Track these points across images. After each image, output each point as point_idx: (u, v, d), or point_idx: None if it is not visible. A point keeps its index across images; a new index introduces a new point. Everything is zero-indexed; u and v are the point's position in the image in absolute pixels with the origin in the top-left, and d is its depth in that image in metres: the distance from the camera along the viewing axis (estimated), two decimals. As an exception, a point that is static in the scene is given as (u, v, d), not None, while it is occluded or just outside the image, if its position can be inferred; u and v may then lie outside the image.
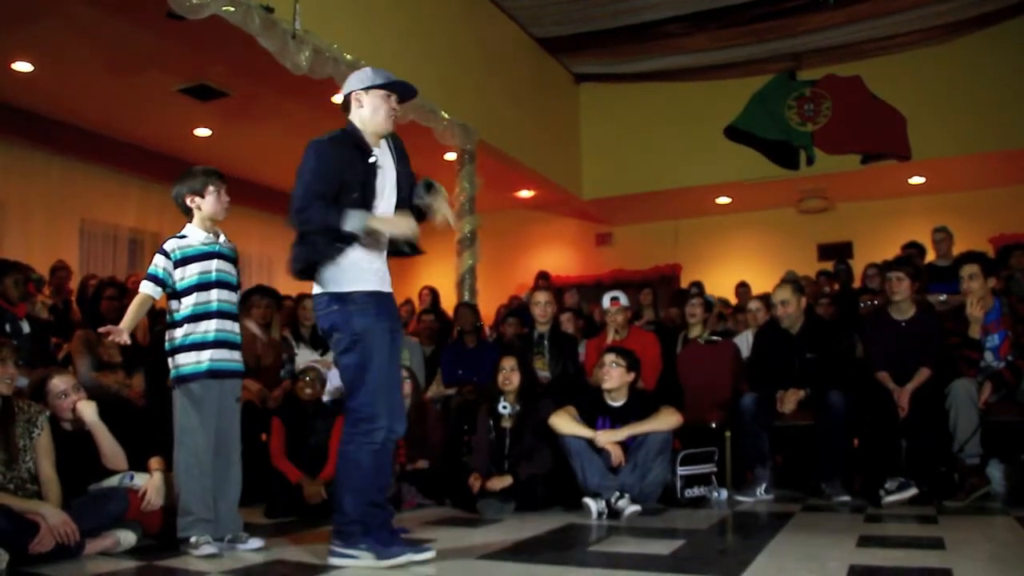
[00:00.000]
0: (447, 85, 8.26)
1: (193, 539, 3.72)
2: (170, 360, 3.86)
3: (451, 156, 8.83)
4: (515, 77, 9.98)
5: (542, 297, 6.40)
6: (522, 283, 11.53)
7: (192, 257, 3.90)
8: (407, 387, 5.87)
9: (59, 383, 4.17)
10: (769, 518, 4.82)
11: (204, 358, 3.83)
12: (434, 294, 9.48)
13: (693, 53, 10.67)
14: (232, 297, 4.00)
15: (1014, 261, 7.76)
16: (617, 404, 5.16)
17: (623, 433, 4.97)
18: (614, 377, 5.18)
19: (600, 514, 4.71)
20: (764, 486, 5.46)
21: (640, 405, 5.12)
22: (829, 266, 9.87)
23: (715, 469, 5.50)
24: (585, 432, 5.00)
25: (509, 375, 5.38)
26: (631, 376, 5.24)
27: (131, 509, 3.95)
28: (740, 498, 5.42)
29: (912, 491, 5.04)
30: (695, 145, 10.94)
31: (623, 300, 6.35)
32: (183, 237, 3.95)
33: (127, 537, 3.87)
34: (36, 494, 3.77)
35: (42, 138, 9.24)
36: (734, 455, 5.75)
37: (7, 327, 5.45)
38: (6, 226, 9.09)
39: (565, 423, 5.05)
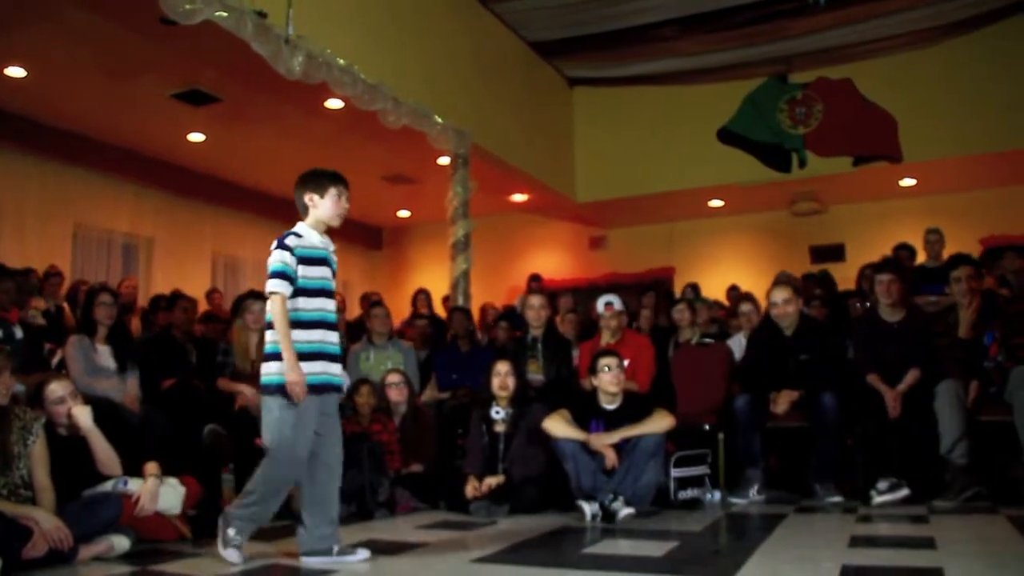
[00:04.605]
0: (440, 89, 8.28)
1: (232, 532, 3.61)
2: (266, 365, 3.64)
3: (444, 160, 8.86)
4: (508, 81, 10.01)
5: (536, 301, 6.43)
6: (515, 286, 11.57)
7: (308, 259, 3.72)
8: (402, 392, 5.91)
9: (56, 389, 4.19)
10: (762, 519, 4.84)
11: (313, 369, 3.64)
12: (429, 297, 9.53)
13: (685, 56, 10.71)
14: (333, 307, 3.82)
15: (1007, 263, 7.78)
16: (611, 407, 5.17)
17: (616, 436, 4.98)
18: (615, 380, 5.19)
19: (594, 516, 4.72)
20: (757, 487, 5.49)
21: (633, 408, 5.13)
22: (818, 268, 9.91)
23: (708, 471, 5.53)
24: (578, 435, 5.01)
25: (505, 380, 5.41)
26: (627, 380, 5.29)
27: (124, 514, 3.96)
28: (733, 500, 5.45)
29: (904, 492, 5.08)
30: (688, 148, 10.98)
31: (617, 304, 6.37)
32: (299, 236, 3.75)
33: (120, 542, 3.88)
34: (29, 500, 3.78)
35: (35, 143, 9.25)
36: (727, 457, 5.78)
37: (0, 333, 5.46)
38: (-1, 231, 9.11)
39: (558, 426, 5.07)
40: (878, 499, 5.08)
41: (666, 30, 10.04)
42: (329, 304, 3.77)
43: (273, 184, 11.34)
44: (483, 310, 9.41)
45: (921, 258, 8.37)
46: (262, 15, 6.00)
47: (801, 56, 10.55)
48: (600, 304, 6.41)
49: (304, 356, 3.62)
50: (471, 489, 5.18)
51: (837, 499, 5.26)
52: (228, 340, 6.51)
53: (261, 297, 6.57)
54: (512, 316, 7.71)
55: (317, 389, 3.65)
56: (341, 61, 6.78)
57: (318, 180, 3.81)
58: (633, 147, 11.24)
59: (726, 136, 10.83)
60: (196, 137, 9.75)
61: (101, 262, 10.19)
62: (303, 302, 3.67)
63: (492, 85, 9.54)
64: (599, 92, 11.57)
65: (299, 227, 3.80)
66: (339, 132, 9.05)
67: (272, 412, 3.62)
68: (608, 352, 5.38)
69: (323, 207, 3.79)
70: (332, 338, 3.75)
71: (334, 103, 8.01)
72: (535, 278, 11.15)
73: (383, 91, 7.26)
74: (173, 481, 4.35)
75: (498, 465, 5.31)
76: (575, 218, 12.58)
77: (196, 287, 9.83)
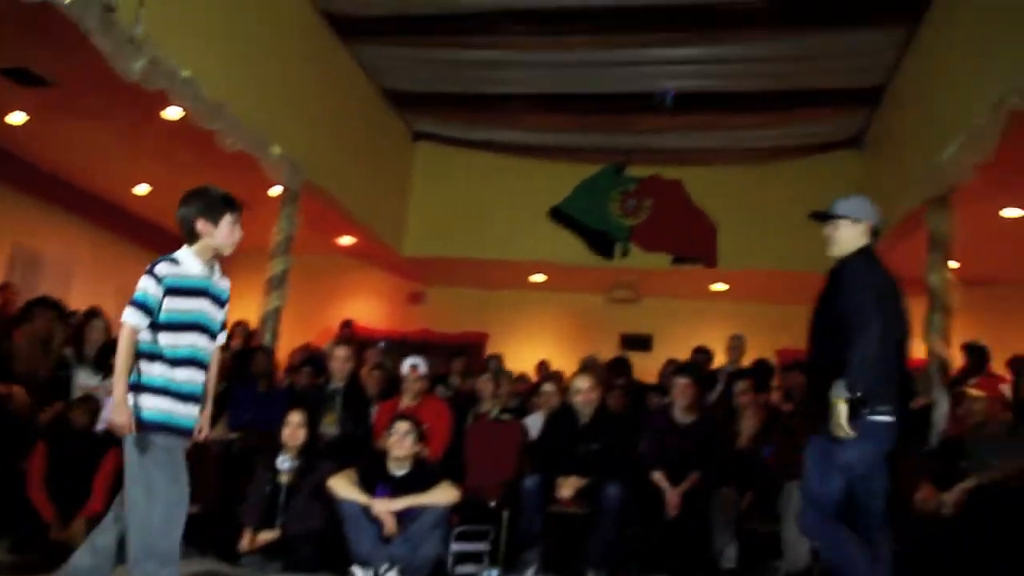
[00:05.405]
0: (283, 119, 8.12)
1: None
2: (131, 396, 3.29)
3: (276, 191, 8.66)
4: (352, 123, 9.92)
5: (342, 353, 6.34)
6: (329, 327, 11.36)
7: (183, 290, 3.39)
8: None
9: None
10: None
11: (180, 410, 3.34)
12: (247, 329, 9.22)
13: (532, 132, 10.96)
14: (210, 345, 3.50)
15: (793, 378, 8.25)
16: (399, 473, 5.15)
17: (399, 504, 4.96)
18: (406, 447, 5.18)
19: (366, 583, 4.66)
20: (535, 568, 5.53)
21: (421, 477, 5.14)
22: (627, 354, 10.23)
23: (489, 548, 5.54)
24: (362, 498, 4.97)
25: (296, 431, 5.32)
26: (419, 447, 5.26)
27: None
28: (509, 579, 5.48)
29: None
30: (519, 220, 11.15)
31: (422, 368, 6.38)
32: (176, 263, 3.42)
33: None
34: None
35: None
36: (509, 535, 5.81)
37: None
38: None
39: (343, 486, 5.00)
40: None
41: (519, 103, 10.27)
42: (204, 341, 3.45)
43: (93, 182, 10.76)
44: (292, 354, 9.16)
45: (721, 360, 8.80)
46: (110, 9, 5.71)
47: (640, 152, 10.98)
48: (406, 365, 6.40)
49: (180, 395, 3.35)
50: (246, 542, 5.01)
51: (608, 587, 5.38)
52: (12, 341, 6.09)
53: (51, 305, 6.21)
54: (316, 361, 7.55)
55: (182, 432, 3.38)
56: (185, 73, 6.55)
57: (212, 205, 3.50)
58: (466, 210, 11.33)
59: (557, 215, 11.07)
60: (16, 118, 9.14)
61: None
62: (165, 337, 3.35)
63: (336, 124, 9.43)
64: (442, 150, 11.60)
65: (180, 252, 3.48)
66: (172, 143, 8.70)
67: (142, 451, 3.26)
68: (404, 416, 5.37)
69: (217, 236, 3.49)
70: (200, 378, 3.45)
71: (172, 112, 7.71)
72: (347, 324, 11.00)
73: (224, 111, 7.05)
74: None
75: (277, 517, 5.16)
76: (397, 270, 12.50)
77: (-12, 279, 9.18)
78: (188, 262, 3.46)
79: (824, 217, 4.13)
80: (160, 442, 3.29)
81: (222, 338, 3.63)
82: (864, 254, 3.98)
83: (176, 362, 3.37)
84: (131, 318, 3.32)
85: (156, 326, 3.35)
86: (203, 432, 3.60)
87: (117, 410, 3.24)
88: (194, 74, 6.62)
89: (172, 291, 3.38)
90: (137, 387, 3.31)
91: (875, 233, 4.09)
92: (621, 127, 10.61)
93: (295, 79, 8.53)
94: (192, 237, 3.50)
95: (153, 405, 3.30)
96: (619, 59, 9.17)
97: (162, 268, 3.39)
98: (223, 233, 3.50)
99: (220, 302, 3.57)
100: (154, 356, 3.35)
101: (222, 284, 3.58)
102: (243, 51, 7.62)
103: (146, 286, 3.35)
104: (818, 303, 4.06)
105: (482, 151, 11.38)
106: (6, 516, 4.99)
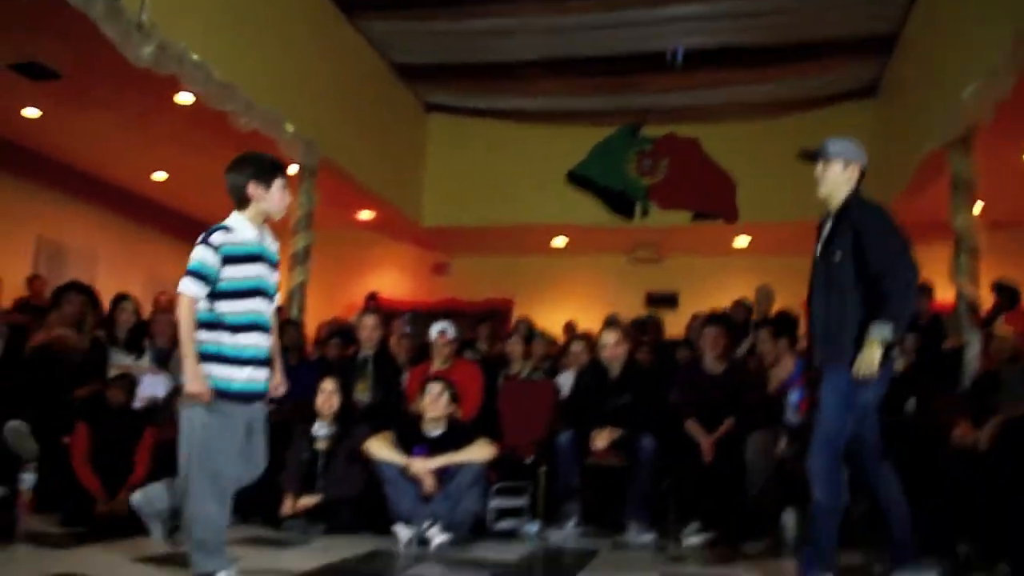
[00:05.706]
0: (295, 98, 8.13)
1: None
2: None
3: (292, 169, 8.69)
4: (365, 98, 9.93)
5: (369, 321, 6.37)
6: (354, 302, 11.43)
7: (238, 257, 3.36)
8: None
9: None
10: (575, 554, 4.94)
11: (239, 376, 3.33)
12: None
13: (545, 97, 10.91)
14: (269, 308, 3.50)
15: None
16: (434, 434, 5.19)
17: (437, 462, 5.00)
18: (440, 407, 5.22)
19: (409, 542, 4.72)
20: (574, 521, 5.58)
21: (457, 436, 5.17)
22: (654, 312, 10.23)
23: (528, 503, 5.59)
24: (399, 459, 5.01)
25: (330, 398, 5.38)
26: (453, 407, 5.30)
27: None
28: (550, 532, 5.52)
29: (712, 534, 5.29)
30: (537, 186, 11.13)
31: (450, 332, 6.40)
32: (229, 230, 3.39)
33: None
34: None
35: None
36: (547, 490, 5.86)
37: None
38: None
39: (380, 448, 5.05)
40: (688, 540, 5.29)
41: (530, 70, 10.22)
42: (264, 305, 3.45)
43: (109, 170, 10.84)
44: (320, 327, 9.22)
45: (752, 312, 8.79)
46: (115, -4, 5.73)
47: (654, 111, 10.92)
48: (434, 331, 6.43)
49: (243, 361, 3.35)
50: (287, 507, 5.08)
51: (649, 537, 5.41)
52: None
53: (82, 290, 6.27)
54: (344, 333, 7.60)
55: (249, 397, 3.38)
56: (195, 56, 6.56)
57: (264, 169, 3.47)
58: (483, 178, 11.34)
59: (575, 178, 11.05)
60: (31, 112, 9.20)
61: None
62: (226, 305, 3.33)
63: (347, 100, 9.44)
64: (455, 121, 11.61)
65: (232, 219, 3.45)
66: (186, 128, 8.73)
67: (193, 421, 3.28)
68: (435, 379, 5.40)
69: (270, 200, 3.46)
70: (265, 342, 3.45)
71: (184, 97, 7.74)
72: (372, 296, 11.06)
73: (236, 92, 7.06)
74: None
75: (317, 482, 5.22)
76: (419, 242, 12.56)
77: (17, 271, 9.27)
78: (241, 228, 3.43)
79: (815, 156, 4.06)
80: (217, 408, 3.29)
81: (278, 299, 3.62)
82: (863, 198, 3.95)
83: (238, 328, 3.36)
84: (189, 288, 3.29)
85: (215, 295, 3.33)
86: (280, 389, 3.62)
87: (193, 380, 3.23)
88: (203, 57, 6.64)
89: (229, 259, 3.35)
90: (208, 356, 3.31)
91: (862, 175, 4.03)
92: (633, 88, 10.54)
93: (303, 57, 8.53)
94: (243, 203, 3.46)
95: (210, 372, 3.29)
96: (626, 20, 9.10)
97: (217, 237, 3.35)
98: (275, 197, 3.48)
99: (273, 264, 3.56)
100: (213, 324, 3.34)
101: (273, 247, 3.57)
102: (250, 31, 7.62)
103: (203, 256, 3.31)
104: (828, 247, 3.99)
105: (495, 119, 11.36)
106: (55, 492, 5.08)
